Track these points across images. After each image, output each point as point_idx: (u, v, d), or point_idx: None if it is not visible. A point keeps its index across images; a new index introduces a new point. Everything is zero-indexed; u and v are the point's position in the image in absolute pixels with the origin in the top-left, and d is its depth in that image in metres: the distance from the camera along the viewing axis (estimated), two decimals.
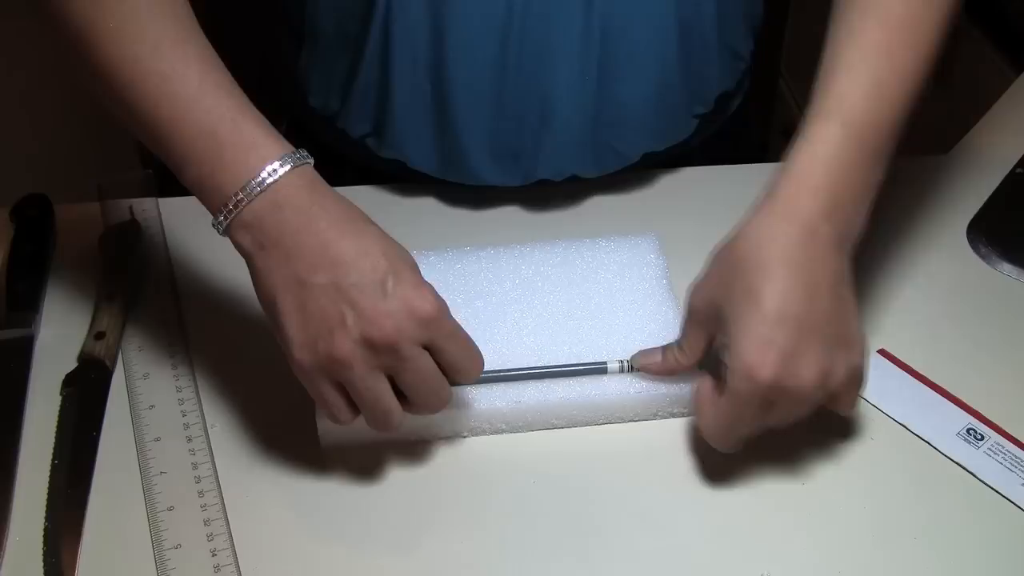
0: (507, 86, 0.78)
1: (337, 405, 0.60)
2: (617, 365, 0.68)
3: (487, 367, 0.65)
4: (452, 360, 0.61)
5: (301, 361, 0.59)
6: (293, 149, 0.60)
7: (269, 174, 0.58)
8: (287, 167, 0.59)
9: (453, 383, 0.62)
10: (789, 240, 0.60)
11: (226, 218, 0.59)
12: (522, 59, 0.77)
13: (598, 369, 0.68)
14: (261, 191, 0.58)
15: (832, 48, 0.65)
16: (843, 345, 0.61)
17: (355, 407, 0.60)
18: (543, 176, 0.82)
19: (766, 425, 0.62)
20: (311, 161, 0.61)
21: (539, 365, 0.68)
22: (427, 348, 0.59)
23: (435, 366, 0.60)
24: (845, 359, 0.60)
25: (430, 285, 0.60)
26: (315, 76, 0.85)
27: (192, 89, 0.59)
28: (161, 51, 0.60)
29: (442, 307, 0.59)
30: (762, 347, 0.58)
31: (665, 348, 0.67)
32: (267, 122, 0.61)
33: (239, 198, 0.58)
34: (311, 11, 0.82)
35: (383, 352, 0.57)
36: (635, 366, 0.68)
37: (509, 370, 0.68)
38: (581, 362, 0.68)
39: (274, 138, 0.60)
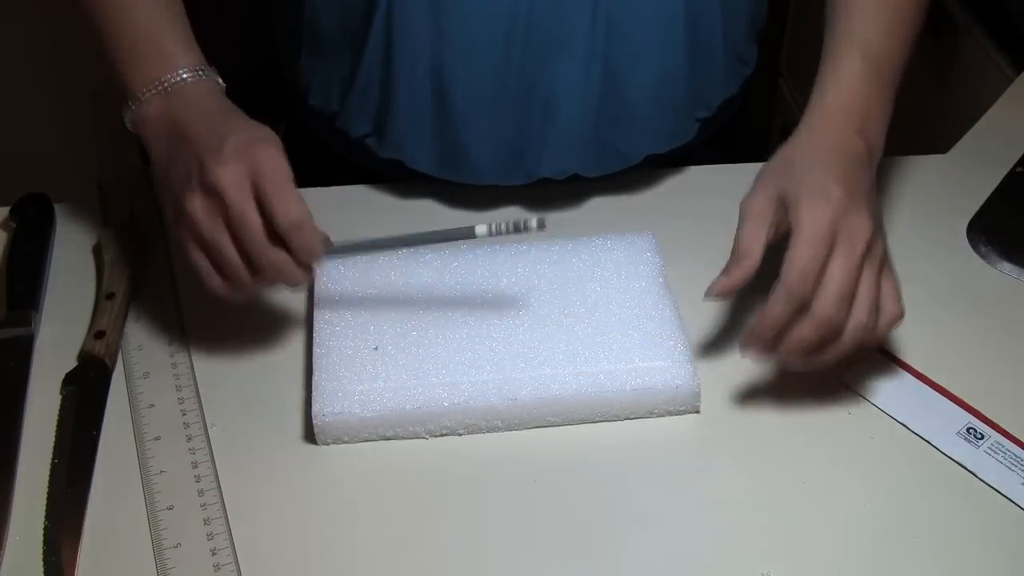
0: (510, 83, 0.78)
1: (202, 267, 0.66)
2: (485, 229, 0.68)
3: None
4: (265, 204, 0.64)
5: (171, 227, 0.68)
6: (198, 64, 0.70)
7: (168, 82, 0.69)
8: (186, 79, 0.69)
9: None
10: (831, 144, 0.69)
11: (129, 112, 0.70)
12: (526, 56, 0.77)
13: (466, 232, 0.68)
14: (158, 94, 0.69)
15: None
16: (880, 230, 0.67)
17: (223, 273, 0.66)
18: (545, 175, 0.82)
19: (830, 290, 0.63)
20: (217, 79, 0.71)
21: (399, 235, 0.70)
22: (258, 202, 0.64)
23: (261, 219, 0.64)
24: (881, 240, 0.67)
25: (273, 147, 0.65)
26: (315, 76, 0.84)
27: (130, 4, 0.70)
28: None
29: (269, 154, 0.65)
30: (825, 193, 0.65)
31: (724, 269, 0.66)
32: (186, 38, 0.71)
33: (139, 98, 0.69)
34: (311, 10, 0.82)
35: (214, 196, 0.64)
36: (710, 295, 0.67)
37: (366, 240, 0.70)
38: (448, 229, 0.69)
39: (183, 52, 0.70)
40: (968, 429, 0.68)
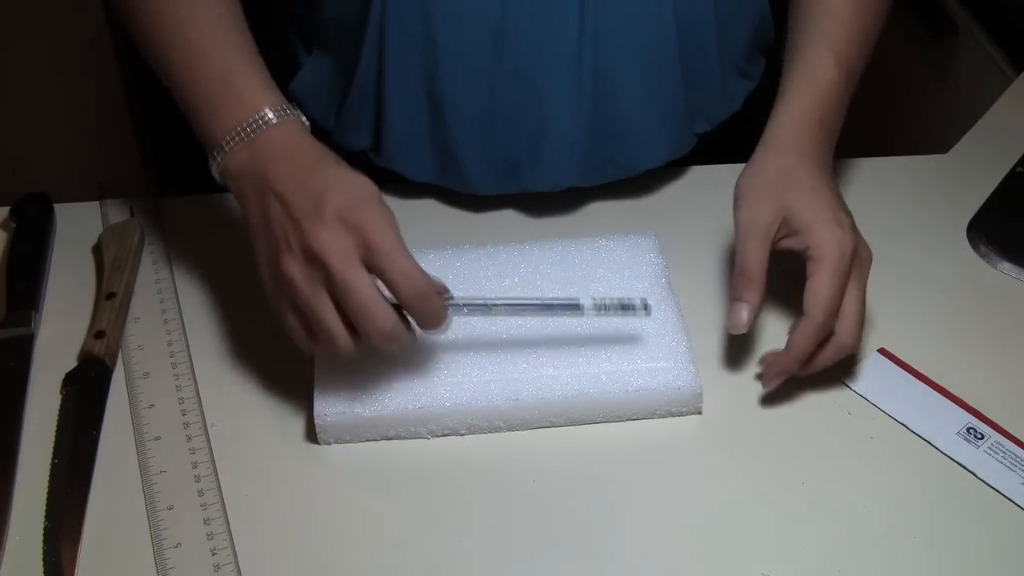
0: (502, 95, 0.78)
1: (296, 331, 0.63)
2: (591, 302, 0.67)
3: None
4: (386, 279, 0.60)
5: (265, 288, 0.63)
6: (279, 103, 0.66)
7: (250, 127, 0.64)
8: (269, 120, 0.65)
9: (402, 309, 0.62)
10: (818, 157, 0.71)
11: (216, 165, 0.65)
12: (515, 70, 0.77)
13: (572, 305, 0.67)
14: (241, 141, 0.64)
15: None
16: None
17: (313, 334, 0.62)
18: (542, 189, 0.82)
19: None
20: (298, 115, 0.67)
21: (512, 297, 0.70)
22: (370, 271, 0.60)
23: (372, 288, 0.60)
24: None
25: (376, 207, 0.62)
26: (309, 95, 0.84)
27: (197, 53, 0.67)
28: (178, 24, 0.68)
29: (374, 222, 0.60)
30: (839, 220, 0.67)
31: (736, 295, 0.68)
32: (262, 79, 0.67)
33: (223, 148, 0.65)
34: (311, 33, 0.82)
35: (317, 265, 0.60)
36: (735, 330, 0.68)
37: (478, 298, 0.67)
38: (556, 300, 0.68)
39: (260, 94, 0.66)
40: (968, 429, 0.68)
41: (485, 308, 0.66)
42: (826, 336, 0.66)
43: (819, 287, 0.66)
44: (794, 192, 0.68)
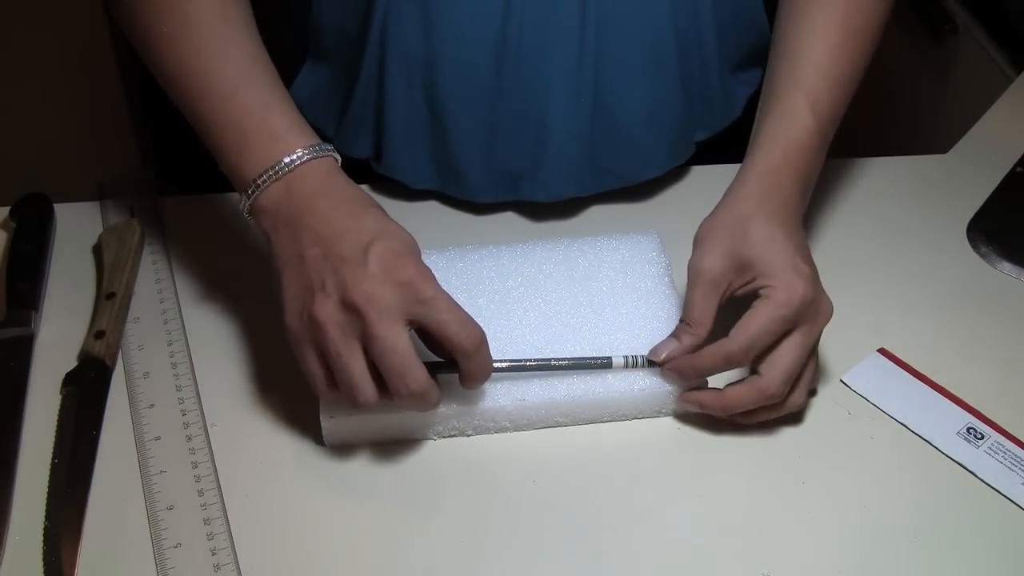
0: (502, 108, 0.78)
1: (317, 376, 0.61)
2: (622, 360, 0.68)
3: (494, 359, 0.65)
4: (442, 332, 0.60)
5: (289, 327, 0.62)
6: (314, 142, 0.64)
7: (285, 165, 0.63)
8: (303, 158, 0.63)
9: (451, 358, 0.62)
10: (783, 204, 0.68)
11: (247, 200, 0.64)
12: (516, 84, 0.77)
13: (602, 364, 0.68)
14: (276, 179, 0.63)
15: (794, 39, 0.72)
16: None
17: (334, 382, 0.61)
18: (542, 199, 0.82)
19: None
20: (332, 153, 0.65)
21: (543, 357, 0.68)
22: (416, 324, 0.60)
23: (411, 347, 0.60)
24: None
25: (419, 261, 0.61)
26: (308, 101, 0.84)
27: (227, 85, 0.65)
28: (203, 52, 0.66)
29: (422, 276, 0.60)
30: (798, 269, 0.65)
31: (675, 333, 0.67)
32: (295, 116, 0.66)
33: (257, 183, 0.63)
34: (311, 40, 0.82)
35: (354, 315, 0.59)
36: (654, 360, 0.67)
37: (513, 360, 0.67)
38: (586, 356, 0.68)
39: (296, 132, 0.65)
40: (968, 429, 0.68)
41: (520, 367, 0.67)
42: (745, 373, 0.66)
43: (750, 319, 0.64)
44: (749, 240, 0.65)
